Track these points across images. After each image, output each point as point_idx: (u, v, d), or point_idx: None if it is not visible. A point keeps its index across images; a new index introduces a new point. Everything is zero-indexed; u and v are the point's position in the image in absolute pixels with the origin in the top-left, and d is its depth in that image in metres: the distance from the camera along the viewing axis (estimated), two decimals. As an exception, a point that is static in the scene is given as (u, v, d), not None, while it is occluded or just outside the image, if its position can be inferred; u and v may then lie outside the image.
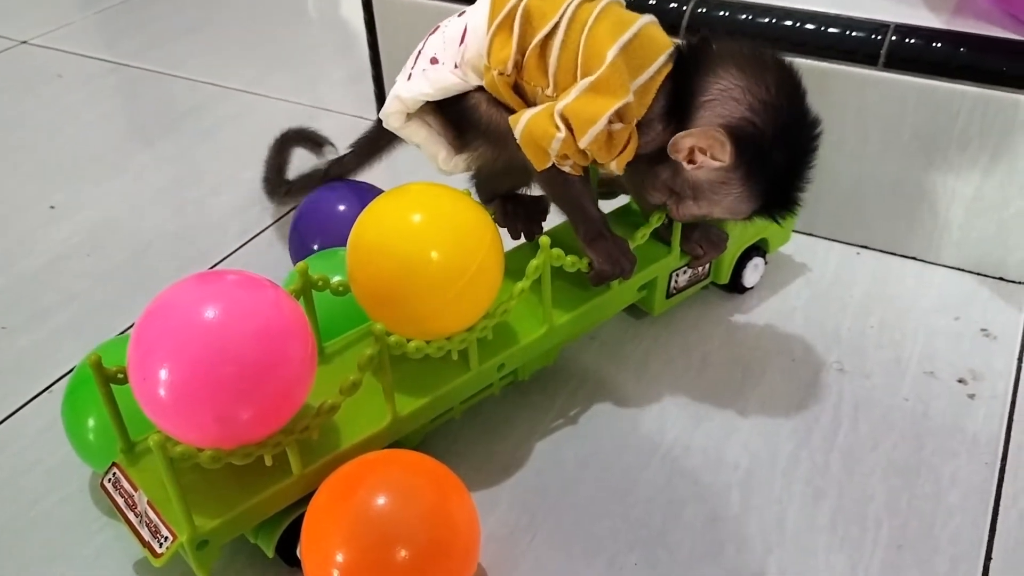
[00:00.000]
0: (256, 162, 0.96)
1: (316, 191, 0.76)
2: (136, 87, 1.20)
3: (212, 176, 1.00)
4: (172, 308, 0.49)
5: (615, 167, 0.60)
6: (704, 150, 0.58)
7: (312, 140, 0.92)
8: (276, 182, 0.88)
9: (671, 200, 0.64)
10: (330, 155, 0.90)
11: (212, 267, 0.85)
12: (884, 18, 0.76)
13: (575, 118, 0.58)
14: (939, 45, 0.73)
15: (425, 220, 0.57)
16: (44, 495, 0.63)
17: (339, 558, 0.49)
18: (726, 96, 0.58)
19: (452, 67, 0.64)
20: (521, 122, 0.60)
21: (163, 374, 0.47)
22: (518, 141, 0.61)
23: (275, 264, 0.83)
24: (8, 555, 0.59)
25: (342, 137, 1.05)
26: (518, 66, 0.61)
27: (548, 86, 0.60)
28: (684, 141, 0.58)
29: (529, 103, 0.63)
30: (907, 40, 0.74)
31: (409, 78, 0.65)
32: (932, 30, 0.74)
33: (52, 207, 0.95)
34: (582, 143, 0.58)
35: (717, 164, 0.58)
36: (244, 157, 1.01)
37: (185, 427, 0.48)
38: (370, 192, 0.75)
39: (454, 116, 0.65)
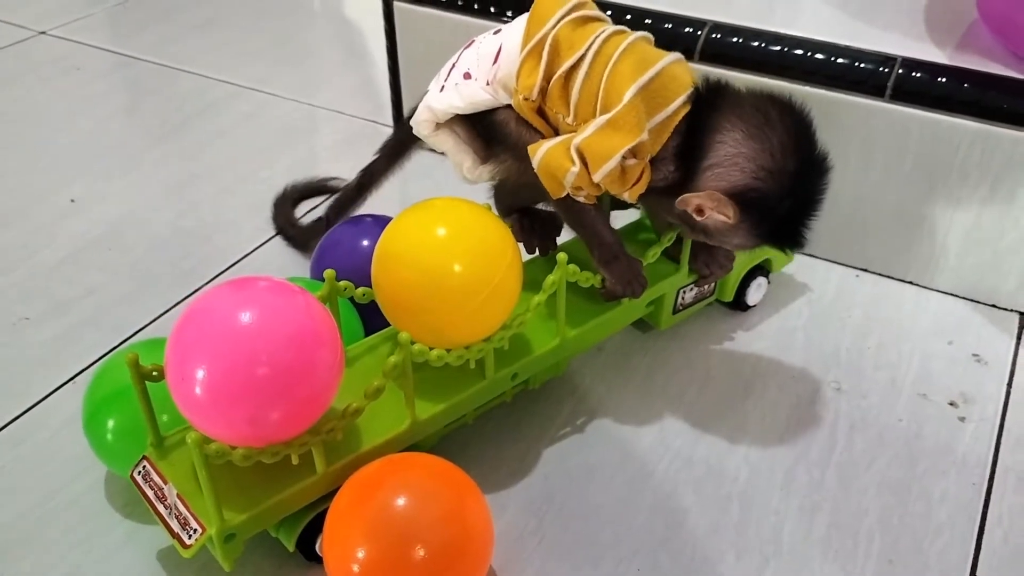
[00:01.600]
0: (270, 162, 0.99)
1: (340, 225, 0.78)
2: (152, 82, 1.22)
3: (227, 174, 1.02)
4: (209, 312, 0.51)
5: (628, 197, 0.63)
6: (712, 208, 0.60)
7: (313, 191, 0.94)
8: (296, 235, 0.90)
9: (684, 227, 0.66)
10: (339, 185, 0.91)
11: (230, 267, 0.87)
12: (891, 51, 0.79)
13: (590, 153, 0.60)
14: (944, 80, 0.76)
15: (450, 234, 0.59)
16: (67, 484, 0.65)
17: (360, 554, 0.51)
18: (730, 163, 0.60)
19: (484, 84, 0.66)
20: (539, 153, 0.62)
21: (200, 375, 0.49)
22: (535, 170, 0.63)
23: (292, 265, 0.85)
24: (30, 543, 0.62)
25: (354, 141, 1.08)
26: (543, 92, 0.63)
27: (569, 115, 0.63)
28: (692, 200, 0.60)
29: (552, 126, 0.65)
30: (913, 74, 0.77)
31: (442, 90, 0.67)
32: (938, 65, 0.77)
33: (72, 200, 0.97)
34: (596, 177, 0.60)
35: (723, 219, 0.60)
36: (258, 157, 1.03)
37: (219, 425, 0.51)
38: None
39: (482, 129, 0.68)
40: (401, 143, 0.79)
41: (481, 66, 0.66)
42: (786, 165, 0.60)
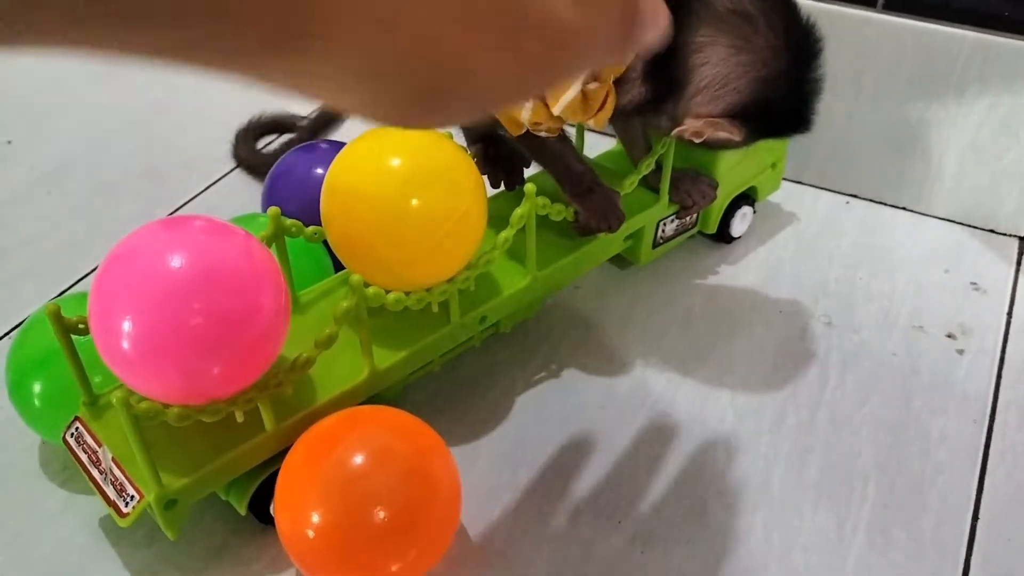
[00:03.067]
0: (225, 98, 0.92)
1: (291, 152, 0.72)
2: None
3: (178, 112, 0.95)
4: (136, 255, 0.46)
5: (593, 124, 0.57)
6: (712, 130, 0.55)
7: (281, 126, 0.88)
8: (254, 163, 0.85)
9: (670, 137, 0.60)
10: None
11: (178, 209, 0.81)
12: (884, -43, 0.73)
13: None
14: (940, -13, 0.70)
15: (406, 163, 0.54)
16: (3, 446, 0.60)
17: (315, 519, 0.47)
18: (720, 86, 0.54)
19: None
20: None
21: (126, 326, 0.44)
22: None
23: (251, 203, 0.79)
24: (-34, 510, 0.57)
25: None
26: None
27: None
28: (689, 129, 0.55)
29: None
30: (908, -19, 0.71)
31: None
32: (934, -29, 0.71)
33: (9, 142, 0.90)
34: (555, 110, 0.55)
35: (726, 136, 0.55)
36: (211, 92, 0.96)
37: (150, 382, 0.46)
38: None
39: None
40: None
41: None
42: (780, 67, 0.54)
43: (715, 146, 0.58)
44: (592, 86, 0.54)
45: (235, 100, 0.92)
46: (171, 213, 0.80)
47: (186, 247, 0.45)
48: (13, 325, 0.69)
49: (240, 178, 0.85)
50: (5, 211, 0.81)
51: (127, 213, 0.81)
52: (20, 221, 0.80)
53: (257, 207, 0.74)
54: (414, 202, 0.53)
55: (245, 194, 0.82)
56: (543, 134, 0.58)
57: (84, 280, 0.74)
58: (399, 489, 0.48)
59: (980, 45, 0.70)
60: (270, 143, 0.88)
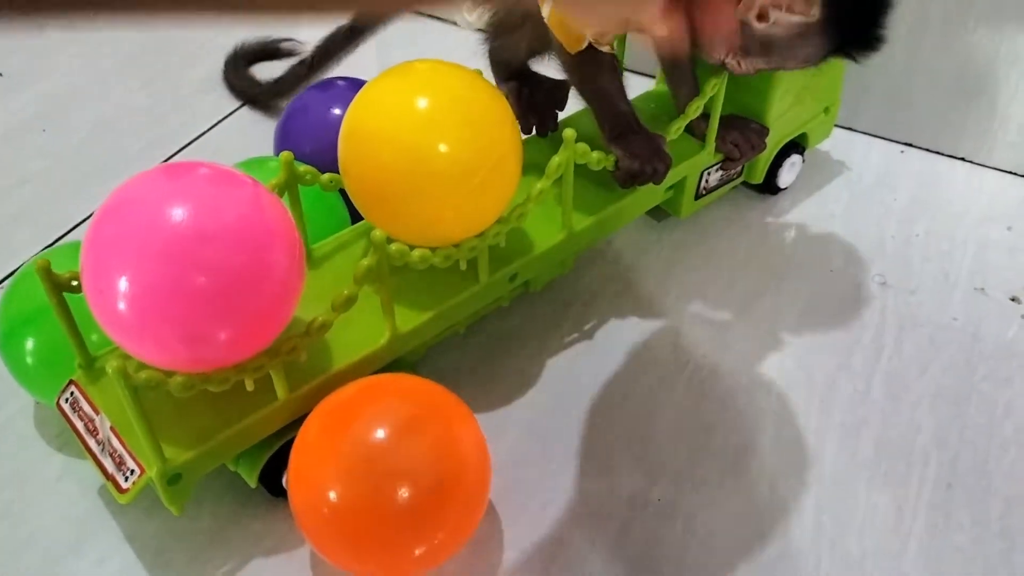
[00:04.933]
0: (230, 31, 0.86)
1: (306, 90, 0.66)
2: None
3: (185, 44, 0.89)
4: (133, 206, 0.41)
5: (658, 30, 0.51)
6: (780, 5, 0.49)
7: (267, 52, 0.83)
8: (251, 93, 0.80)
9: (733, 57, 0.54)
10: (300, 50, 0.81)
11: (182, 149, 0.76)
12: None
13: None
14: (1021, -86, 0.64)
15: (434, 105, 0.48)
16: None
17: (332, 497, 0.43)
18: None
19: None
20: (549, 3, 0.52)
21: (122, 284, 0.39)
22: (548, 25, 0.52)
23: (258, 143, 0.74)
24: (-43, 475, 0.53)
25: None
26: None
27: None
28: (755, 5, 0.49)
29: None
30: (985, -93, 0.64)
31: None
32: None
33: (1, 74, 0.84)
34: None
35: (798, 19, 0.49)
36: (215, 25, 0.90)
37: (150, 347, 0.41)
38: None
39: None
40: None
41: None
42: None
43: (775, 57, 0.52)
44: None
45: (242, 32, 0.86)
46: (174, 154, 0.75)
47: (188, 197, 0.40)
48: (7, 273, 0.65)
49: (248, 116, 0.80)
50: (0, 149, 0.76)
51: (128, 153, 0.75)
52: (14, 160, 0.75)
53: (266, 148, 0.68)
54: (442, 147, 0.47)
55: (253, 133, 0.77)
56: (605, 49, 0.53)
57: (81, 226, 0.69)
58: (424, 466, 0.43)
59: (1063, -20, 0.63)
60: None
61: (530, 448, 0.54)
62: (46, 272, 0.43)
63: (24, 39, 0.89)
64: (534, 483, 0.52)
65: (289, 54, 0.85)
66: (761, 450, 0.54)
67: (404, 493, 0.43)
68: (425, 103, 0.48)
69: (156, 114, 0.80)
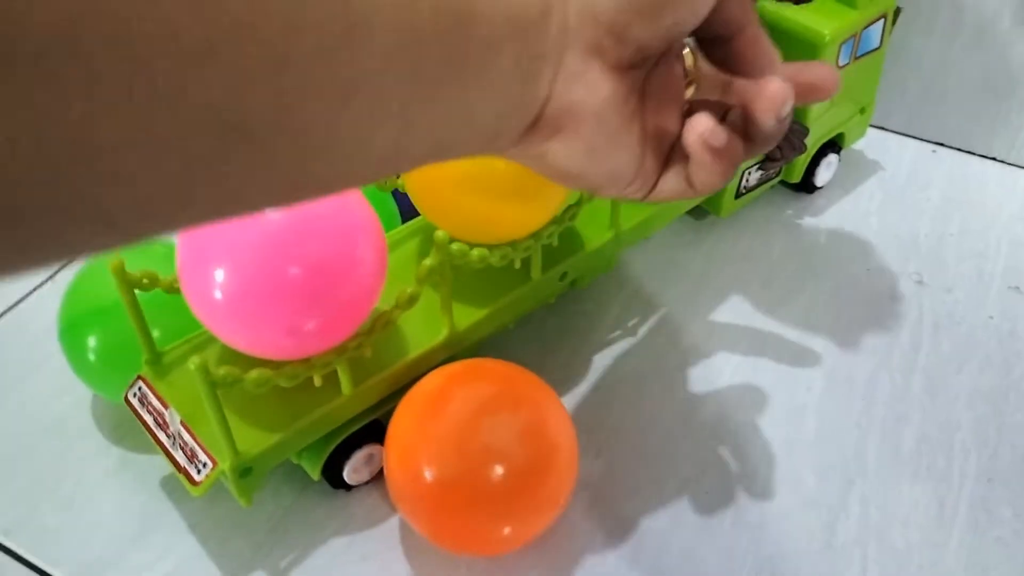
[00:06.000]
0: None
1: None
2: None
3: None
4: None
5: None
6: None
7: None
8: None
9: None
10: None
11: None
12: None
13: None
14: (1059, -82, 0.65)
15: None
16: (55, 397, 0.57)
17: (428, 476, 0.44)
18: None
19: None
20: None
21: (219, 277, 0.41)
22: None
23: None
24: (17, 467, 0.54)
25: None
26: None
27: None
28: None
29: None
30: (1022, -89, 0.65)
31: None
32: (1052, -100, 0.65)
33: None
34: None
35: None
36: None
37: (244, 335, 0.43)
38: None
39: None
40: None
41: None
42: None
43: None
44: None
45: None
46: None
47: None
48: (58, 267, 0.66)
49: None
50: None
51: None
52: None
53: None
54: (500, 149, 0.48)
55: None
56: None
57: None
58: (516, 446, 0.45)
59: (1100, -16, 0.64)
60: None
61: (578, 440, 0.55)
62: (121, 272, 0.44)
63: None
64: (585, 473, 0.53)
65: None
66: (804, 444, 0.55)
67: (498, 471, 0.44)
68: (484, 105, 0.49)
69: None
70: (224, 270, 0.41)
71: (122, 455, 0.55)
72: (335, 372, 0.47)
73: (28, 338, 0.61)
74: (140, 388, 0.48)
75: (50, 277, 0.65)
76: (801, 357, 0.60)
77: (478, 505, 0.44)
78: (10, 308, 0.63)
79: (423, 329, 0.51)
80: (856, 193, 0.72)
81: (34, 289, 0.64)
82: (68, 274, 0.64)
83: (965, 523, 0.52)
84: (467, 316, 0.52)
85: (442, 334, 0.51)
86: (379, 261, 0.45)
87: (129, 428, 0.55)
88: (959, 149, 0.76)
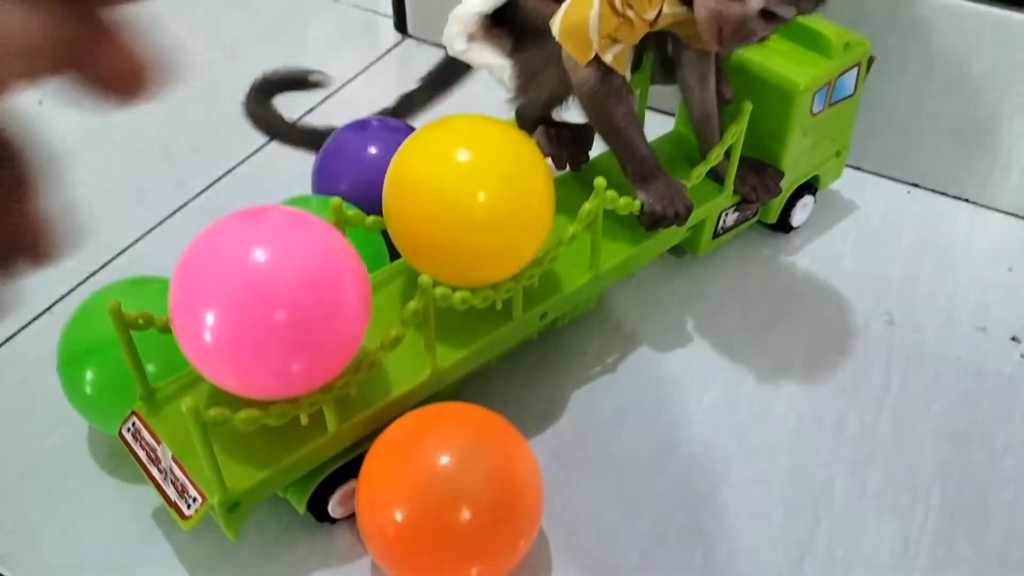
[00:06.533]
0: (260, 57, 0.89)
1: (344, 129, 0.69)
2: (126, -36, 1.10)
3: (214, 72, 0.92)
4: (217, 250, 0.45)
5: (666, 11, 0.54)
6: None
7: (292, 83, 0.86)
8: (281, 129, 0.82)
9: (723, 32, 0.53)
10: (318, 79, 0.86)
11: (222, 176, 0.79)
12: (966, -62, 0.69)
13: None
14: (1025, -27, 0.67)
15: (473, 158, 0.52)
16: (46, 433, 0.59)
17: (397, 517, 0.46)
18: None
19: None
20: (558, 17, 0.56)
21: (209, 320, 0.43)
22: (559, 40, 0.56)
23: (292, 179, 0.77)
24: (12, 497, 0.56)
25: (351, 34, 0.98)
26: None
27: None
28: None
29: None
30: (990, -35, 0.68)
31: None
32: (1019, -44, 0.68)
33: (40, 102, 0.87)
34: None
35: None
36: (247, 52, 0.94)
37: (233, 376, 0.45)
38: (403, 132, 0.68)
39: (509, 25, 0.61)
40: (443, 72, 0.74)
41: None
42: None
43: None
44: None
45: (271, 60, 0.89)
46: (210, 185, 0.78)
47: (267, 240, 0.44)
48: (58, 297, 0.68)
49: (279, 147, 0.83)
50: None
51: (168, 179, 0.79)
52: (55, 188, 0.78)
53: (296, 181, 0.72)
54: (481, 197, 0.51)
55: (284, 167, 0.80)
56: (611, 59, 0.55)
57: (127, 251, 0.72)
58: (482, 490, 0.47)
59: (1064, 37, 0.67)
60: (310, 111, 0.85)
61: (556, 474, 0.57)
62: (117, 313, 0.46)
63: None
64: (561, 507, 0.55)
65: (316, 85, 0.88)
66: (775, 481, 0.57)
67: (466, 514, 0.46)
68: (465, 156, 0.52)
69: (189, 142, 0.83)
70: (213, 315, 0.43)
71: (116, 485, 0.56)
72: (321, 410, 0.49)
73: (25, 369, 0.63)
74: (134, 423, 0.50)
75: (47, 309, 0.67)
76: (773, 395, 0.62)
77: (445, 546, 0.46)
78: (8, 339, 0.65)
79: (407, 367, 0.53)
80: (831, 233, 0.74)
81: (31, 320, 0.66)
82: (65, 306, 0.67)
83: (927, 561, 0.54)
84: (450, 355, 0.54)
85: (425, 373, 0.53)
86: (364, 305, 0.47)
87: (122, 459, 0.57)
88: (933, 190, 0.79)
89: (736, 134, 0.62)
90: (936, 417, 0.61)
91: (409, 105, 0.76)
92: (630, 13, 0.53)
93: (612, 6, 0.53)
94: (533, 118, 0.65)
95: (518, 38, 0.61)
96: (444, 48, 0.63)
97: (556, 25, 0.56)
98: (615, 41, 0.54)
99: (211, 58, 0.94)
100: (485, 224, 0.51)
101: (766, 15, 0.51)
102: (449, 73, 0.74)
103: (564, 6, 0.55)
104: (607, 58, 0.55)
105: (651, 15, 0.53)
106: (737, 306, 0.68)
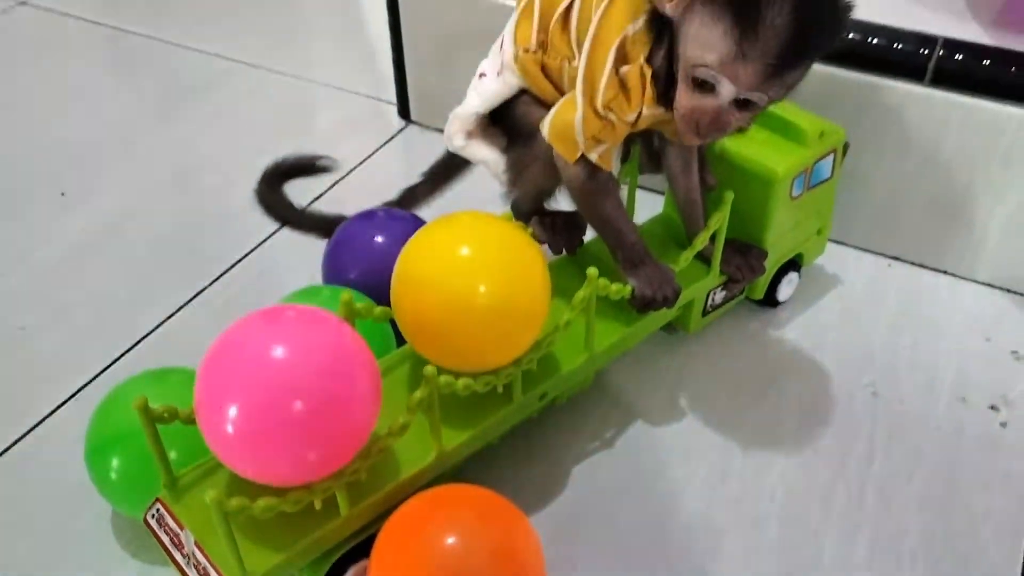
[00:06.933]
0: (271, 145, 0.94)
1: (352, 220, 0.74)
2: (142, 57, 1.16)
3: (226, 160, 0.97)
4: (239, 347, 0.49)
5: (645, 113, 0.57)
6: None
7: (302, 169, 0.92)
8: (291, 215, 0.88)
9: (700, 125, 0.55)
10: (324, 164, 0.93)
11: (237, 263, 0.83)
12: (931, 30, 0.74)
13: (585, 83, 0.57)
14: (987, 63, 0.72)
15: (474, 252, 0.56)
16: (73, 516, 0.62)
17: None
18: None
19: (495, 75, 0.65)
20: (547, 120, 0.61)
21: (232, 412, 0.47)
22: (548, 140, 0.60)
23: (302, 264, 0.81)
24: (44, 578, 0.59)
25: (358, 121, 1.03)
26: (543, 46, 0.61)
27: (573, 57, 0.60)
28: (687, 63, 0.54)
29: (556, 85, 0.62)
30: (955, 56, 0.72)
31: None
32: (980, 47, 0.73)
33: (63, 194, 0.92)
34: (598, 101, 0.57)
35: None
36: (259, 141, 0.99)
37: (254, 465, 0.49)
38: (407, 221, 0.73)
39: (504, 124, 0.66)
40: (444, 166, 0.79)
41: (492, 61, 0.65)
42: None
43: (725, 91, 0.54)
44: (625, 69, 0.57)
45: (281, 148, 0.94)
46: (224, 272, 0.82)
47: (284, 337, 0.48)
48: (81, 385, 0.71)
49: (290, 233, 0.87)
50: (64, 266, 0.83)
51: (182, 270, 0.82)
52: (80, 275, 0.82)
53: (307, 267, 0.76)
54: (482, 289, 0.54)
55: (295, 253, 0.84)
56: (596, 158, 0.59)
57: (145, 339, 0.76)
58: (486, 569, 0.49)
59: (1027, 122, 0.71)
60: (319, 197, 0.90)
61: (557, 548, 0.60)
62: (145, 409, 0.50)
63: (81, 159, 0.97)
64: (563, 585, 0.58)
65: (323, 170, 0.93)
66: (766, 550, 0.60)
67: None
68: (467, 251, 0.56)
69: (205, 229, 0.88)
70: (236, 409, 0.47)
71: (140, 569, 0.59)
72: (334, 494, 0.52)
73: (53, 454, 0.66)
74: (158, 510, 0.53)
75: (72, 396, 0.71)
76: (764, 467, 0.65)
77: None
78: (36, 425, 0.69)
79: (413, 451, 0.56)
80: (817, 307, 0.78)
81: (58, 407, 0.70)
82: (90, 393, 0.70)
83: (913, 626, 0.56)
84: (454, 437, 0.57)
85: (431, 455, 0.56)
86: (374, 395, 0.51)
87: (145, 542, 0.60)
88: (913, 263, 0.82)
89: (719, 221, 0.66)
90: (919, 485, 0.64)
91: (412, 198, 0.80)
92: (612, 116, 0.57)
93: (595, 110, 0.57)
94: (527, 210, 0.69)
95: (511, 136, 0.66)
96: (445, 133, 0.68)
97: (546, 127, 0.60)
98: (599, 141, 0.59)
99: (224, 148, 0.99)
100: (486, 315, 0.55)
101: (739, 103, 0.54)
102: (449, 168, 0.79)
103: (553, 109, 0.60)
104: (593, 157, 0.59)
105: (631, 117, 0.57)
106: (728, 380, 0.72)
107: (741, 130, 0.68)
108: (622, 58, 0.56)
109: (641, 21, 0.55)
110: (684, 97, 0.55)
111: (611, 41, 0.56)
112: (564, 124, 0.59)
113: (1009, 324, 0.77)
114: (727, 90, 0.53)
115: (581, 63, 0.57)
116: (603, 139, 0.58)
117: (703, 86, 0.53)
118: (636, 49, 0.56)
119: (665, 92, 0.56)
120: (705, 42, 0.52)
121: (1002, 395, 0.71)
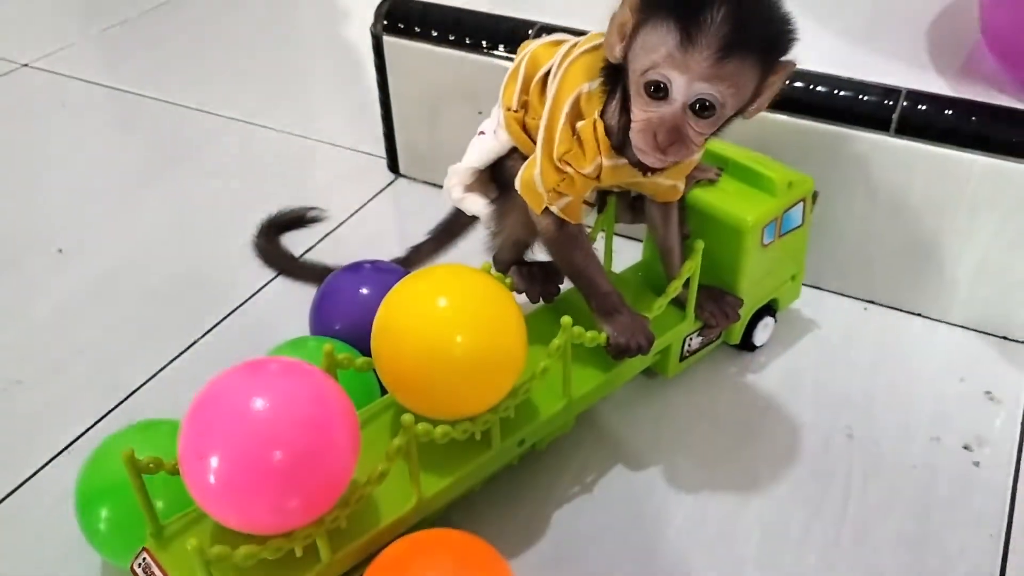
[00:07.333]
0: (263, 200, 0.97)
1: (338, 272, 0.76)
2: (137, 116, 1.20)
3: (219, 216, 1.00)
4: (222, 399, 0.51)
5: (606, 165, 0.60)
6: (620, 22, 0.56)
7: (295, 221, 0.96)
8: (287, 264, 0.91)
9: (658, 136, 0.55)
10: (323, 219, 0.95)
11: (228, 315, 0.85)
12: (895, 82, 0.77)
13: (545, 138, 0.61)
14: (950, 113, 0.74)
15: (451, 304, 0.58)
16: (63, 568, 0.63)
17: None
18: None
19: (492, 133, 0.69)
20: (519, 173, 0.64)
21: (214, 463, 0.48)
22: (520, 192, 0.64)
23: (292, 317, 0.83)
24: (34, 629, 0.60)
25: (351, 175, 1.06)
26: (525, 106, 0.65)
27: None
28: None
29: (535, 143, 0.64)
30: (919, 107, 0.75)
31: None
32: (944, 98, 0.75)
33: (60, 250, 0.95)
34: (556, 153, 0.60)
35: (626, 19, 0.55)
36: (252, 196, 1.01)
37: (235, 514, 0.50)
38: (392, 273, 0.75)
39: (497, 179, 0.70)
40: (449, 224, 0.83)
41: (490, 122, 0.69)
42: None
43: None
44: (580, 123, 0.60)
45: (273, 203, 0.97)
46: (218, 323, 0.84)
47: (266, 389, 0.50)
48: (74, 437, 0.73)
49: (282, 284, 0.89)
50: (60, 320, 0.86)
51: (175, 322, 0.84)
52: (75, 330, 0.84)
53: (299, 318, 0.78)
54: (459, 339, 0.56)
55: (287, 303, 0.86)
56: (558, 210, 0.62)
57: (137, 392, 0.77)
58: None
59: (991, 170, 0.73)
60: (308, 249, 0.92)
61: (539, 596, 0.61)
62: (131, 460, 0.52)
63: (77, 215, 1.00)
64: (543, 629, 0.59)
65: (314, 221, 0.96)
66: (743, 594, 0.61)
67: None
68: (444, 303, 0.58)
69: (197, 283, 0.90)
70: (217, 459, 0.48)
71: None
72: (315, 541, 0.53)
73: (45, 506, 0.68)
74: (144, 559, 0.55)
75: (65, 448, 0.72)
76: (741, 509, 0.67)
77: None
78: (29, 478, 0.70)
79: (393, 498, 0.58)
80: (793, 350, 0.80)
81: (51, 459, 0.71)
82: (81, 445, 0.72)
83: (888, 665, 0.57)
84: (434, 484, 0.59)
85: (411, 503, 0.57)
86: (353, 444, 0.53)
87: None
88: (888, 306, 0.84)
89: (691, 268, 0.68)
90: (893, 526, 0.65)
91: (418, 255, 0.84)
92: (569, 169, 0.60)
93: (552, 163, 0.61)
94: (507, 260, 0.71)
95: (500, 190, 0.69)
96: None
97: (517, 179, 0.63)
98: (560, 194, 0.61)
99: (217, 202, 1.02)
100: (463, 364, 0.56)
101: (694, 109, 0.54)
102: (454, 225, 0.82)
103: (525, 163, 0.63)
104: (554, 209, 0.62)
105: (589, 170, 0.60)
106: (706, 424, 0.73)
107: (711, 182, 0.70)
108: (576, 113, 0.60)
109: (597, 81, 0.58)
110: (639, 111, 0.55)
111: (566, 97, 0.60)
112: (529, 177, 0.62)
113: (983, 365, 0.78)
114: (679, 86, 0.53)
115: (543, 120, 0.61)
116: (564, 192, 0.61)
117: (656, 90, 0.54)
118: (591, 105, 0.59)
119: (622, 143, 0.59)
120: (652, 47, 0.53)
121: (976, 435, 0.72)
